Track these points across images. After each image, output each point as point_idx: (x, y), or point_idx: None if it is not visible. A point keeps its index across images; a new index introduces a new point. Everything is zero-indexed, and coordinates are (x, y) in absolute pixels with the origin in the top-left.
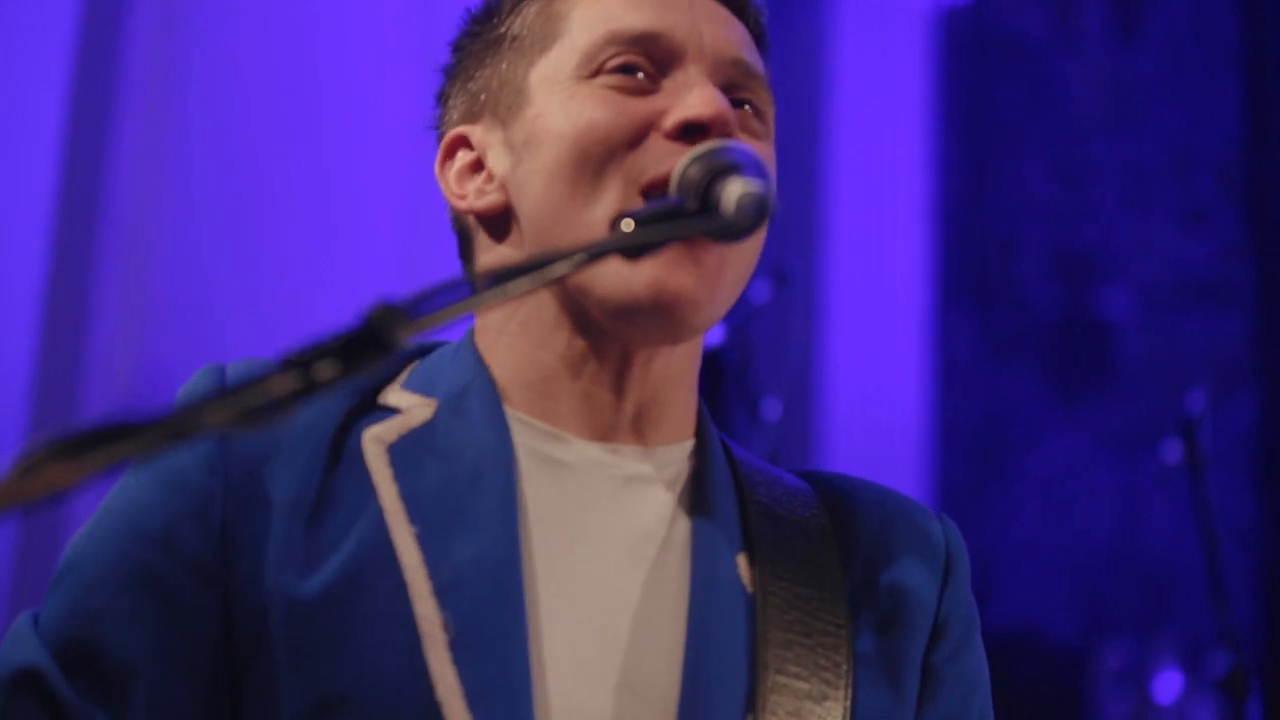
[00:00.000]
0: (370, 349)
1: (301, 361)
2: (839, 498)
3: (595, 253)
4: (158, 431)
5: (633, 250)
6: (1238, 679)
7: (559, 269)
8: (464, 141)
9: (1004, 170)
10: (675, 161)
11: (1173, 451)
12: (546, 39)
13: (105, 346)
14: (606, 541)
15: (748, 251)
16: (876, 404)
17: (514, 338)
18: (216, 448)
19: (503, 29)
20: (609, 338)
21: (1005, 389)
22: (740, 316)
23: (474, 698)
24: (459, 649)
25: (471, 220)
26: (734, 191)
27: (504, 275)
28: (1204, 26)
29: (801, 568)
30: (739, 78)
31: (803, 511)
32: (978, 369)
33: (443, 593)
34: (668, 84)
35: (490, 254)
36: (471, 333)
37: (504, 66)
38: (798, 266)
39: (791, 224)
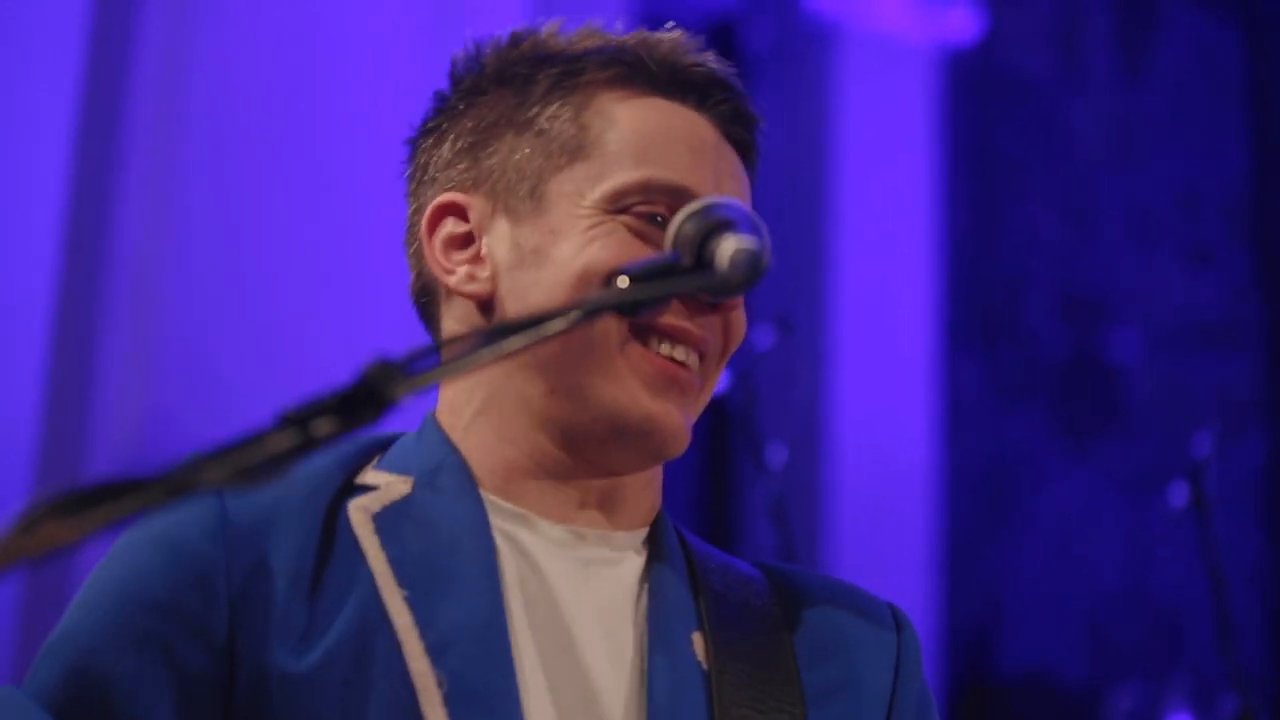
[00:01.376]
0: (367, 406)
1: (299, 419)
2: (790, 589)
3: (591, 309)
4: (157, 489)
5: (628, 307)
6: None
7: (555, 326)
8: (459, 211)
9: (1010, 210)
10: (675, 318)
11: (1179, 494)
12: (575, 151)
13: (112, 396)
14: (573, 613)
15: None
16: (884, 447)
17: (480, 427)
18: (216, 518)
19: (531, 114)
20: (583, 451)
21: (1013, 431)
22: (744, 363)
23: None
24: (454, 703)
25: (446, 292)
26: (728, 248)
27: (498, 333)
28: (1209, 64)
29: (753, 650)
30: None
31: (754, 599)
32: (985, 411)
33: (435, 651)
34: None
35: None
36: (433, 416)
37: (523, 156)
38: (804, 310)
39: (798, 268)
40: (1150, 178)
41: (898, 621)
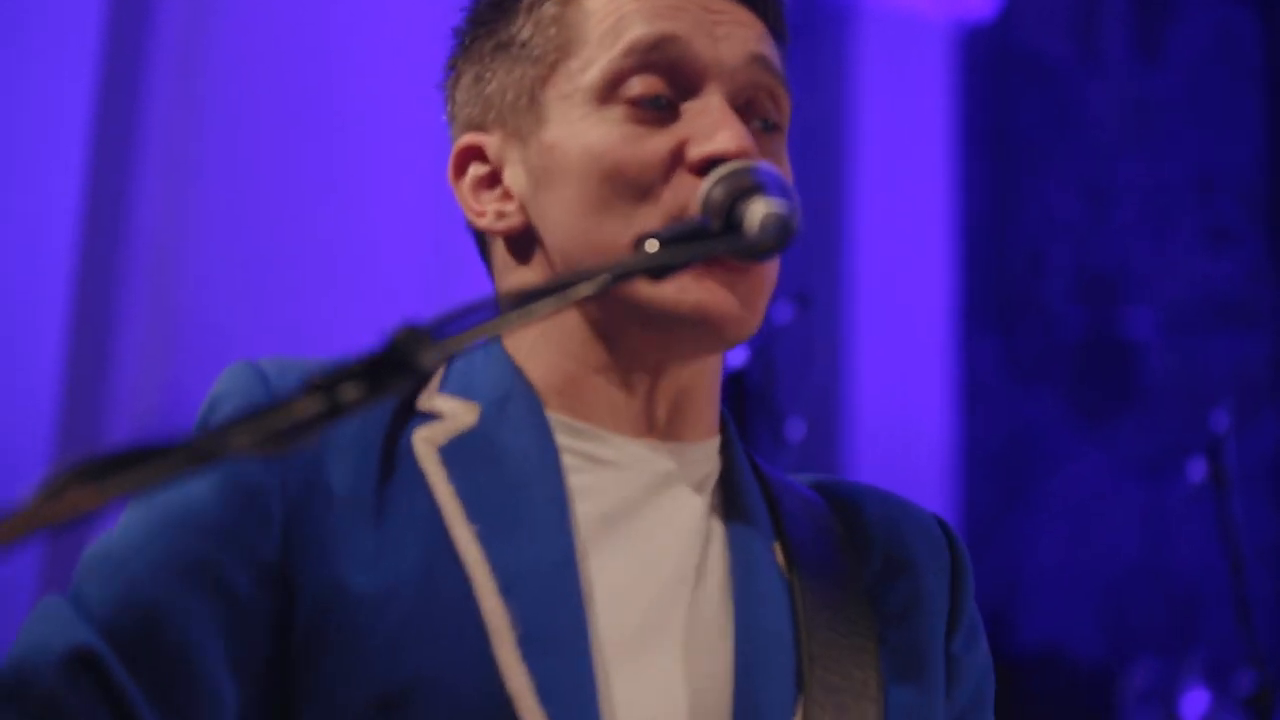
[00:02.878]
0: (395, 372)
1: (326, 384)
2: (845, 503)
3: (620, 273)
4: (183, 455)
5: (657, 271)
6: (1264, 697)
7: (583, 290)
8: (478, 153)
9: (1027, 190)
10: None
11: (1198, 471)
12: (561, 50)
13: (131, 367)
14: (653, 538)
15: (776, 264)
16: (901, 425)
17: (540, 347)
18: None
19: (515, 30)
20: (642, 349)
21: (1030, 409)
22: (763, 337)
23: (545, 694)
24: (527, 645)
25: (489, 236)
26: (758, 212)
27: (528, 296)
28: (1226, 46)
29: (825, 568)
30: (759, 75)
31: (818, 520)
32: (1002, 389)
33: (507, 590)
34: (688, 108)
35: (513, 275)
36: (498, 339)
37: (517, 74)
38: (821, 287)
39: (815, 244)
40: (1167, 158)
41: (947, 535)
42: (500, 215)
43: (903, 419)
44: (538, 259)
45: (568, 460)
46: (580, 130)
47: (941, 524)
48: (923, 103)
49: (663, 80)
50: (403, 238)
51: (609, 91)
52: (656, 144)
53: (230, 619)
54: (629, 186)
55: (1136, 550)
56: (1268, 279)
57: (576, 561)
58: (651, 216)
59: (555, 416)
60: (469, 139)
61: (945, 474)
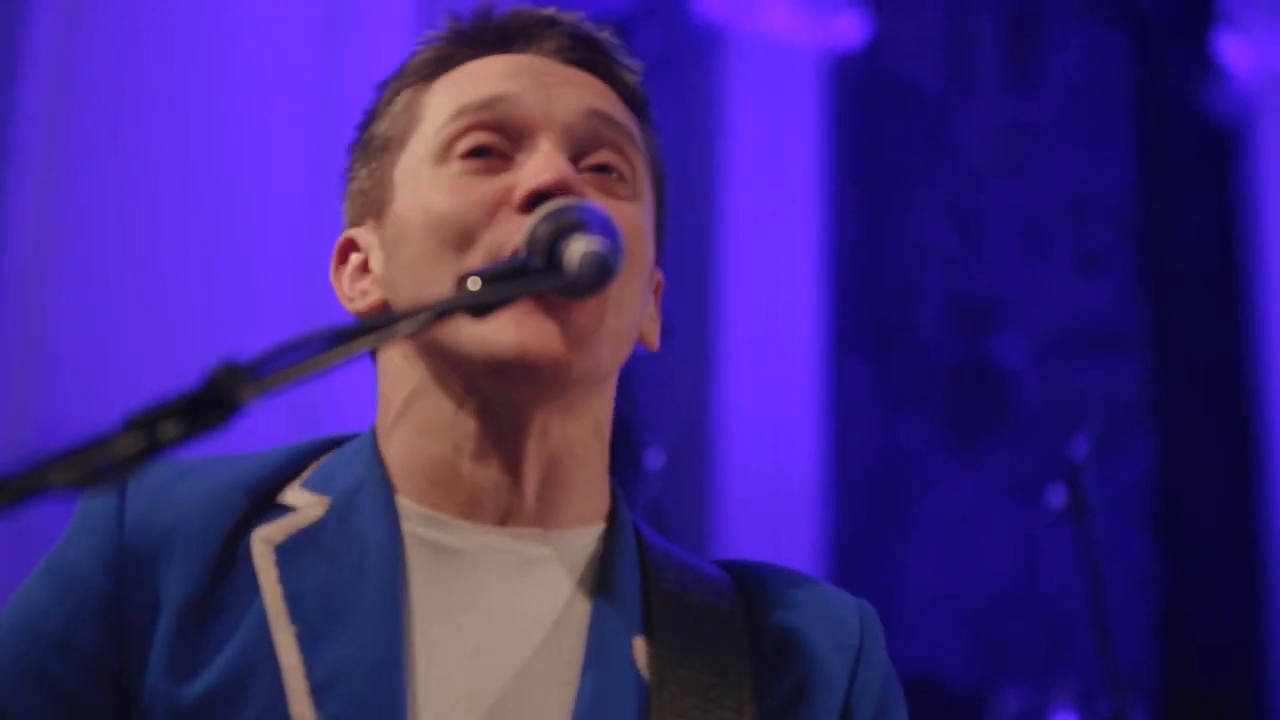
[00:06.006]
0: (213, 409)
1: (145, 422)
2: (754, 584)
3: (440, 310)
4: (4, 490)
5: (478, 309)
6: None
7: (404, 328)
8: (353, 245)
9: (899, 218)
10: None
11: (1058, 497)
12: (406, 131)
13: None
14: (495, 628)
15: (626, 300)
16: (772, 451)
17: (404, 430)
18: (112, 547)
19: (375, 128)
20: (493, 406)
21: (901, 435)
22: (625, 367)
23: None
24: None
25: (361, 317)
26: (577, 250)
27: (349, 334)
28: (1098, 72)
29: (704, 655)
30: (598, 129)
31: (712, 599)
32: (874, 415)
33: (318, 693)
34: (521, 158)
35: (381, 351)
36: (374, 428)
37: (374, 165)
38: (692, 313)
39: (685, 272)
40: (1039, 185)
41: (863, 622)
42: (364, 294)
43: (774, 445)
44: None
45: (413, 551)
46: (417, 194)
47: (862, 611)
48: (793, 130)
49: (494, 135)
50: (276, 271)
51: (444, 153)
52: (483, 190)
53: None
54: (454, 233)
55: (1008, 575)
56: (1139, 304)
57: (402, 659)
58: (474, 259)
59: (409, 505)
60: (345, 234)
61: (816, 499)
